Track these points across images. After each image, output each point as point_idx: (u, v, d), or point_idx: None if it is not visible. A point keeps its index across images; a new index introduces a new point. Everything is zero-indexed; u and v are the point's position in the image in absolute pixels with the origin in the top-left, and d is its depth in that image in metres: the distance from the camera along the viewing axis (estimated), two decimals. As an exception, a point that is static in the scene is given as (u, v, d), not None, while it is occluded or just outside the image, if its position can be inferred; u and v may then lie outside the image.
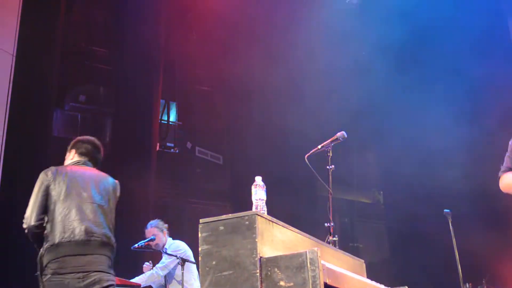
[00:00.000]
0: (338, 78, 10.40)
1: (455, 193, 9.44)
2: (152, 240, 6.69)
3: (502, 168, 4.15)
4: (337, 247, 4.13)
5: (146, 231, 6.81)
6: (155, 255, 7.02)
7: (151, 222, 6.89)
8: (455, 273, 7.14)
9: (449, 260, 7.36)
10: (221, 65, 10.70)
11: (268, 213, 3.05)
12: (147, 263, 6.86)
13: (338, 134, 4.91)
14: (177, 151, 11.32)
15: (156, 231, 6.75)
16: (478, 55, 9.65)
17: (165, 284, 6.68)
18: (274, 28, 10.38)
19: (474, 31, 9.69)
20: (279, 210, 4.84)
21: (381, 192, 11.75)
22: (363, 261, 4.15)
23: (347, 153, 9.18)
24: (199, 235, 2.85)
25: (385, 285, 3.84)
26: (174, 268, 6.62)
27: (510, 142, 4.15)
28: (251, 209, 3.11)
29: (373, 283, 3.64)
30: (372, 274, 4.28)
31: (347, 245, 9.62)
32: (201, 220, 2.88)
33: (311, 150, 5.10)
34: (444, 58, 9.94)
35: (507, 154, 4.14)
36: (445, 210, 7.27)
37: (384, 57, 10.01)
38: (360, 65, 10.41)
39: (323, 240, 4.00)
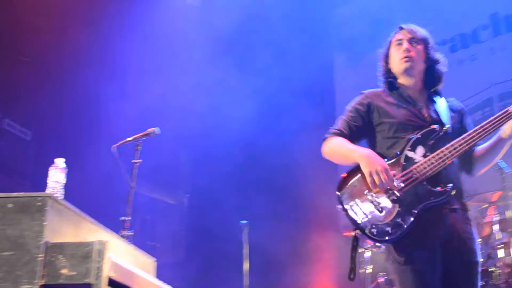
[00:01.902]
0: (169, 77, 10.41)
1: (256, 204, 9.80)
2: None
3: (331, 129, 3.75)
4: (131, 242, 4.11)
5: None
6: None
7: None
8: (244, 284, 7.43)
9: (242, 270, 7.63)
10: (45, 37, 10.18)
11: (65, 199, 2.96)
12: None
13: (151, 129, 4.91)
14: (-17, 119, 10.53)
15: None
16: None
17: None
18: (104, 14, 10.11)
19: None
20: (81, 197, 4.72)
21: (187, 195, 11.88)
22: (154, 259, 4.16)
23: (160, 151, 9.16)
24: (-16, 211, 2.67)
25: (172, 286, 3.89)
26: None
27: (347, 106, 3.80)
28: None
29: (160, 282, 3.67)
30: (164, 274, 4.31)
31: (145, 242, 9.56)
32: (-12, 195, 2.71)
33: (124, 139, 5.04)
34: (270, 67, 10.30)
35: (342, 116, 3.76)
36: (242, 222, 7.52)
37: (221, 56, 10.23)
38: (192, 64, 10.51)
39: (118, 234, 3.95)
